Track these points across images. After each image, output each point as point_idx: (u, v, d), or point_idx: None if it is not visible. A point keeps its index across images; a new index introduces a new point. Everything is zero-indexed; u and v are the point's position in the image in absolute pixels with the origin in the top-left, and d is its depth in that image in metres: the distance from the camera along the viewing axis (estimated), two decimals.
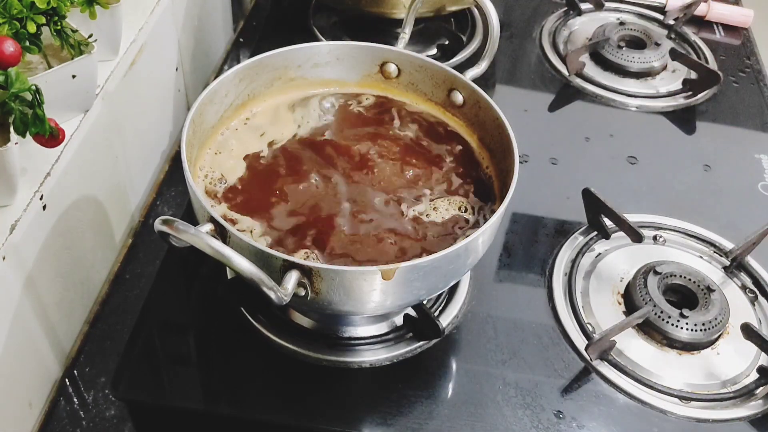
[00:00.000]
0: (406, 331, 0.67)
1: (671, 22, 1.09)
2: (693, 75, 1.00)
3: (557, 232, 0.78)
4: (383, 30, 0.97)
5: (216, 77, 0.71)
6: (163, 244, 0.52)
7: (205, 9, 0.93)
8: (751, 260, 0.76)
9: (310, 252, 0.58)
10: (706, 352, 0.68)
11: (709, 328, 0.67)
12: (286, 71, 0.71)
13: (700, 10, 1.10)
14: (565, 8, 1.10)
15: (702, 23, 1.12)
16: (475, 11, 1.06)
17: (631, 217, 0.76)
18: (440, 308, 0.69)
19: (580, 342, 0.67)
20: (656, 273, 0.70)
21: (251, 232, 0.60)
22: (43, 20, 0.56)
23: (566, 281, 0.73)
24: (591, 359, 0.66)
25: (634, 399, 0.64)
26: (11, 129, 0.52)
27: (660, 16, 1.11)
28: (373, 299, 0.54)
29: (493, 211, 0.63)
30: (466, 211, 0.64)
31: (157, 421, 0.67)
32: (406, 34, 0.75)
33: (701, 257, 0.77)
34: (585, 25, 1.07)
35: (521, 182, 0.59)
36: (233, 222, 0.61)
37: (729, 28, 1.12)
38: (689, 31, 1.09)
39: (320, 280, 0.52)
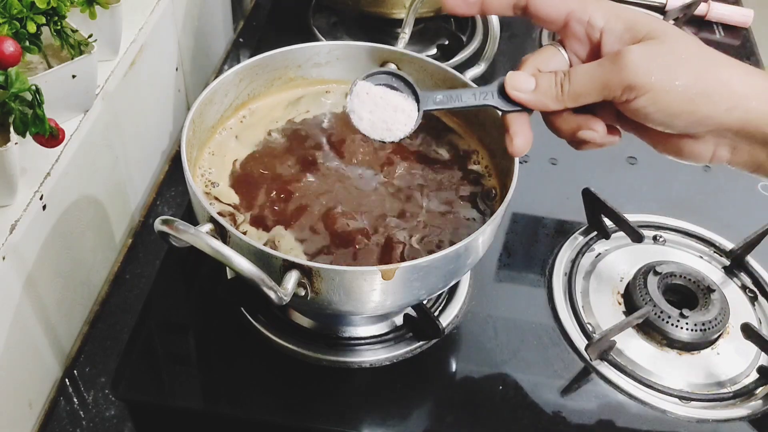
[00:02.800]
0: (406, 331, 0.67)
1: (671, 22, 1.09)
2: None
3: (557, 232, 0.78)
4: (383, 30, 0.97)
5: (216, 77, 0.71)
6: (163, 244, 0.52)
7: (205, 9, 0.93)
8: (751, 260, 0.76)
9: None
10: (706, 352, 0.68)
11: (709, 328, 0.67)
12: (286, 71, 0.71)
13: (700, 10, 1.10)
14: None
15: (702, 23, 1.12)
16: None
17: (631, 217, 0.76)
18: (440, 308, 0.69)
19: (580, 342, 0.67)
20: (656, 273, 0.70)
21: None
22: (43, 20, 0.56)
23: (566, 281, 0.73)
24: (591, 359, 0.66)
25: (634, 399, 0.64)
26: (11, 129, 0.52)
27: (660, 16, 1.10)
28: (373, 299, 0.54)
29: (492, 211, 0.63)
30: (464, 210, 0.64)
31: (157, 421, 0.67)
32: (406, 34, 0.75)
33: (701, 257, 0.77)
34: None
35: (521, 182, 0.59)
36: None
37: (729, 28, 1.12)
38: (689, 31, 1.09)
39: (320, 280, 0.52)
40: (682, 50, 0.46)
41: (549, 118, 0.51)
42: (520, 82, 0.50)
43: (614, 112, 0.50)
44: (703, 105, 0.46)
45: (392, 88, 0.53)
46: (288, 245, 0.59)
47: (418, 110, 0.52)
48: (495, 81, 0.51)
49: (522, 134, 0.51)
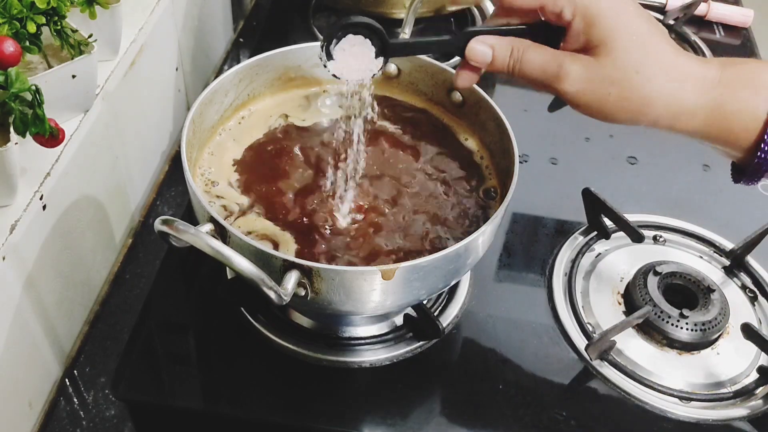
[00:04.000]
0: (406, 331, 0.67)
1: (671, 22, 1.09)
2: None
3: (557, 232, 0.78)
4: None
5: (216, 77, 0.71)
6: (163, 244, 0.52)
7: (205, 9, 0.93)
8: (751, 260, 0.76)
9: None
10: (706, 352, 0.68)
11: (709, 328, 0.67)
12: (286, 71, 0.71)
13: (700, 10, 1.10)
14: None
15: (702, 23, 1.12)
16: (475, 11, 1.06)
17: (631, 217, 0.76)
18: (440, 308, 0.69)
19: (580, 342, 0.67)
20: (656, 273, 0.70)
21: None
22: (43, 20, 0.56)
23: (566, 281, 0.73)
24: (591, 359, 0.66)
25: (634, 399, 0.64)
26: (11, 129, 0.52)
27: (660, 16, 1.11)
28: (373, 299, 0.54)
29: (493, 211, 0.63)
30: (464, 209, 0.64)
31: (157, 421, 0.67)
32: (406, 34, 0.75)
33: (701, 257, 0.77)
34: None
35: (521, 182, 0.59)
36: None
37: (729, 28, 1.12)
38: (689, 31, 1.09)
39: (320, 280, 0.52)
40: (619, 67, 0.49)
41: None
42: (478, 55, 0.53)
43: None
44: (631, 117, 0.51)
45: (362, 33, 0.55)
46: (283, 239, 0.59)
47: (385, 56, 0.56)
48: (461, 33, 0.54)
49: (468, 76, 0.55)
